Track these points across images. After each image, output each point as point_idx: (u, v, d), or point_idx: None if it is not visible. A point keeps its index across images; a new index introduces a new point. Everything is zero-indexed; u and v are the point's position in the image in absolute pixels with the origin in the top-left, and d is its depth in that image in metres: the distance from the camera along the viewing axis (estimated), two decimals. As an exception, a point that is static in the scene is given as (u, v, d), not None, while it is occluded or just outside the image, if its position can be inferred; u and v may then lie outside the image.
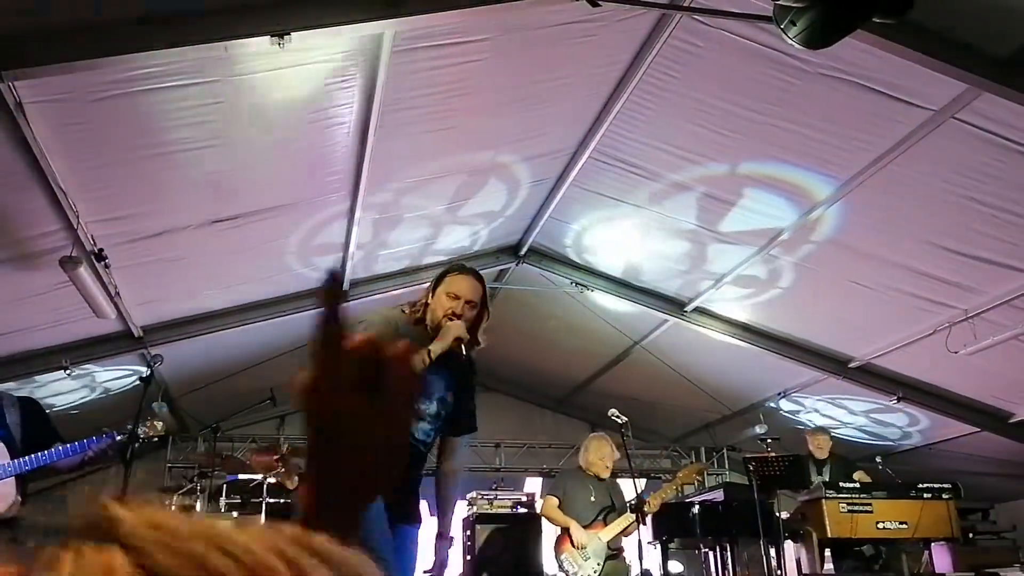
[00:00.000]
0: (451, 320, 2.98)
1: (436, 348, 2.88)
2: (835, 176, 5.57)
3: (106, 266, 5.35)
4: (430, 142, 5.55)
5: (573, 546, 5.06)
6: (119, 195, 4.99)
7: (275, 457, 6.21)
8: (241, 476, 6.41)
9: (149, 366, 4.87)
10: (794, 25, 2.35)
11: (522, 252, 7.69)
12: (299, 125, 4.90)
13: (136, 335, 6.67)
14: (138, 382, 4.43)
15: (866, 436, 9.38)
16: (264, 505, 5.93)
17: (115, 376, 7.44)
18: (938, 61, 4.32)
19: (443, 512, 3.17)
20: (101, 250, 5.20)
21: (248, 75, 4.28)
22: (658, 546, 6.09)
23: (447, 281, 3.10)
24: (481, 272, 7.16)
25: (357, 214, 6.00)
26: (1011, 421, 8.02)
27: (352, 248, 6.56)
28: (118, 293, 5.82)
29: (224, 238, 5.77)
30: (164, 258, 5.81)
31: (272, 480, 6.10)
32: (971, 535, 8.27)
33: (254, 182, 5.36)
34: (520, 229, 7.43)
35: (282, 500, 6.11)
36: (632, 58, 5.05)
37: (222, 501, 6.07)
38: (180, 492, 6.28)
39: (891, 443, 9.25)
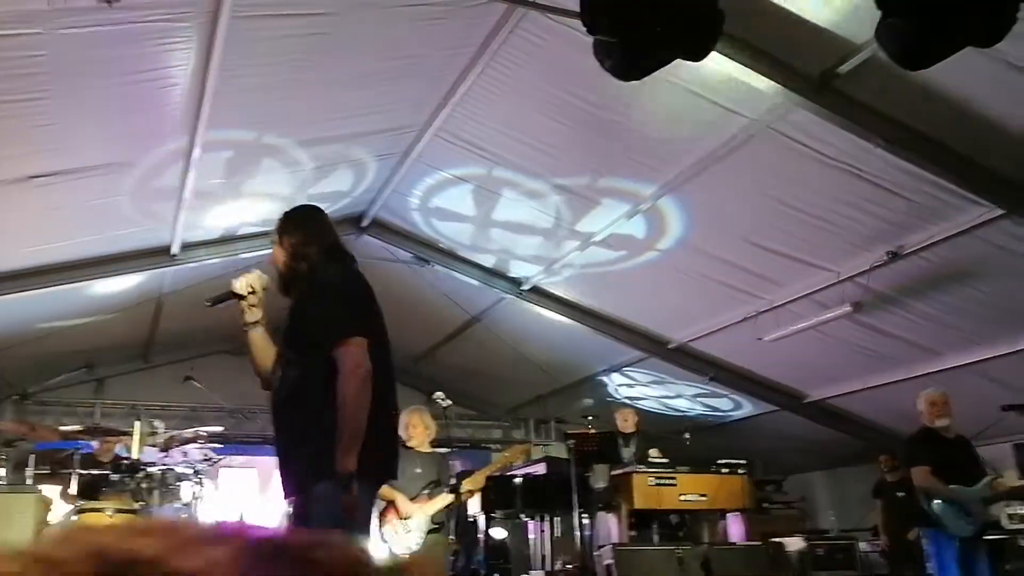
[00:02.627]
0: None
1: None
2: (661, 173, 5.91)
3: (-98, 218, 4.91)
4: (271, 112, 5.43)
5: (398, 518, 5.18)
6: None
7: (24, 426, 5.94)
8: (53, 445, 6.08)
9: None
10: (609, 59, 2.52)
11: (364, 224, 7.65)
12: (128, 85, 4.66)
13: (-65, 291, 6.15)
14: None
15: (676, 411, 10.03)
16: (76, 477, 5.66)
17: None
18: (756, 74, 4.66)
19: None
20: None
21: (72, 29, 4.02)
22: (482, 517, 6.32)
23: None
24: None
25: (189, 179, 5.78)
26: (805, 401, 8.86)
27: (183, 214, 6.32)
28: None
29: (42, 195, 5.42)
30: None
31: (85, 451, 5.83)
32: (764, 505, 9.10)
33: (79, 139, 5.05)
34: (364, 202, 7.39)
35: (94, 472, 5.85)
36: (480, 44, 5.12)
37: (28, 471, 5.74)
38: (-20, 460, 5.88)
39: (700, 418, 9.95)
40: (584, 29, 4.77)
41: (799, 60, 4.67)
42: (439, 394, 5.21)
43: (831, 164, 5.32)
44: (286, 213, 3.24)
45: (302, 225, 3.14)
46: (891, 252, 5.96)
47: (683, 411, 9.99)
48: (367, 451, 2.66)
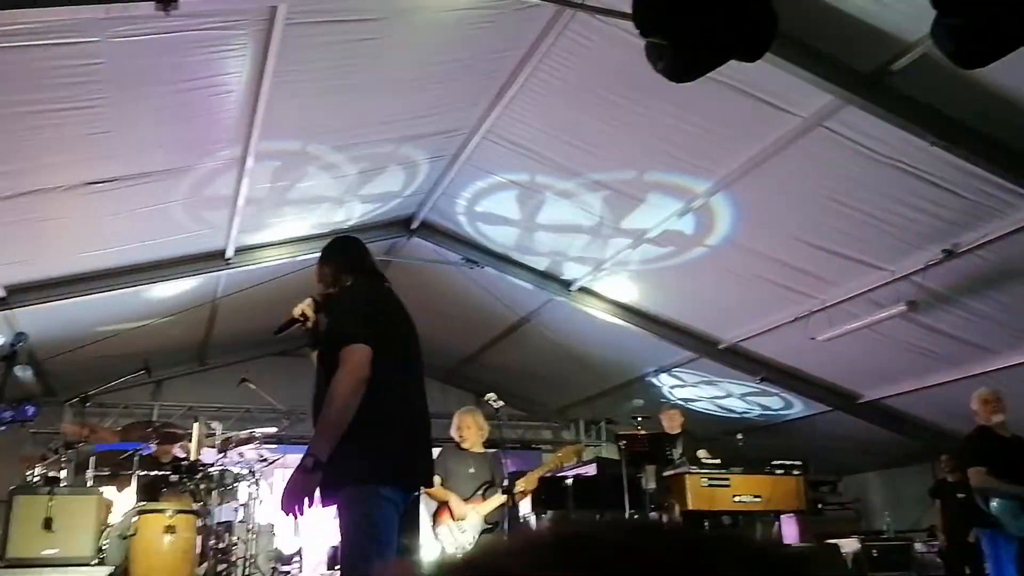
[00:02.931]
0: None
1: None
2: (713, 172, 5.87)
3: (-31, 225, 5.09)
4: (322, 117, 5.51)
5: (452, 518, 5.22)
6: (-13, 153, 4.75)
7: (148, 430, 6.11)
8: (112, 447, 6.25)
9: (12, 345, 4.64)
10: (661, 61, 2.52)
11: (414, 226, 7.72)
12: (183, 92, 4.77)
13: (-1, 295, 6.36)
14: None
15: (729, 412, 9.93)
16: (136, 478, 5.81)
17: (-29, 335, 7.07)
18: (809, 73, 4.61)
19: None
20: (-36, 208, 4.94)
21: (129, 37, 4.13)
22: (533, 518, 6.34)
23: None
24: (372, 244, 7.29)
25: (244, 184, 5.89)
26: (859, 402, 8.71)
27: (237, 218, 6.45)
28: (-19, 253, 5.55)
29: (99, 201, 5.58)
30: (34, 218, 5.57)
31: (145, 453, 5.99)
32: (819, 505, 8.96)
33: (134, 146, 5.18)
34: (413, 204, 7.46)
35: (153, 473, 6.00)
36: (530, 46, 5.14)
37: (89, 473, 5.90)
38: (45, 461, 6.06)
39: (753, 419, 9.84)
40: (633, 30, 4.80)
41: (852, 58, 4.61)
42: (491, 395, 5.24)
43: (884, 162, 5.24)
44: (326, 245, 3.63)
45: (337, 255, 3.49)
46: (946, 250, 5.84)
47: (735, 412, 9.89)
48: (383, 455, 2.82)
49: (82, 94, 4.45)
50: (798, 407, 9.27)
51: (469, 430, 5.46)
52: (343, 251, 3.53)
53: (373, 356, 2.87)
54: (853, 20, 4.32)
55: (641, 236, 6.91)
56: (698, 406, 9.71)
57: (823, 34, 4.45)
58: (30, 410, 3.65)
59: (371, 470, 2.78)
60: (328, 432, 2.77)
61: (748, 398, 9.55)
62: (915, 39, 4.24)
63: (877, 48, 4.47)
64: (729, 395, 9.61)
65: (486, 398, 5.25)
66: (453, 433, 5.61)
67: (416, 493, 2.97)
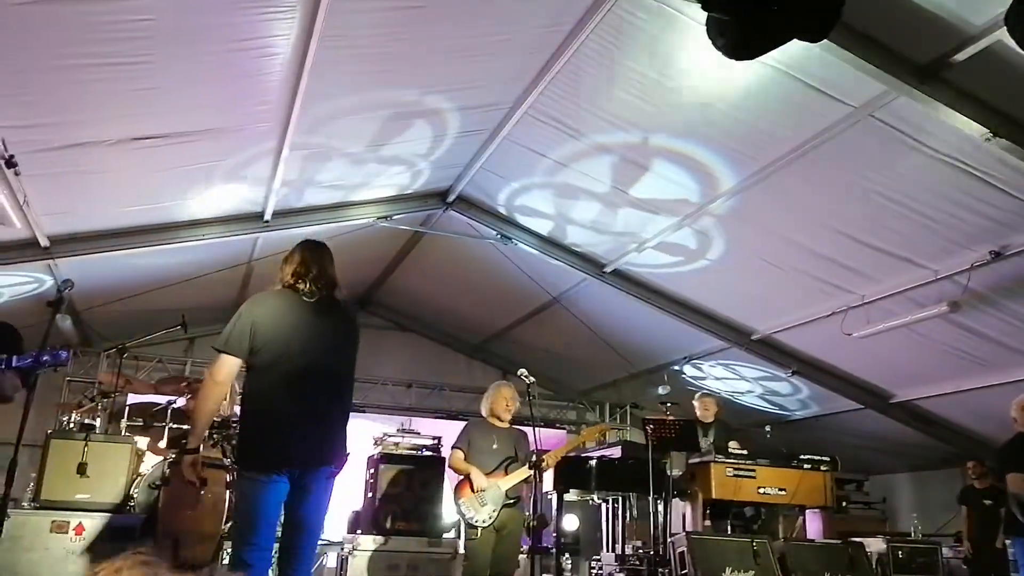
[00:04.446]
0: None
1: None
2: (756, 159, 5.77)
3: (16, 173, 5.17)
4: (366, 83, 5.49)
5: (472, 491, 5.24)
6: (37, 103, 4.79)
7: (183, 384, 6.20)
8: (145, 398, 6.36)
9: (59, 291, 4.73)
10: (722, 37, 2.46)
11: (450, 199, 7.71)
12: (232, 52, 4.77)
13: (43, 245, 6.46)
14: (37, 290, 4.32)
15: (762, 404, 9.85)
16: (167, 430, 5.91)
17: (15, 282, 7.21)
18: (862, 61, 4.49)
19: None
20: (11, 156, 5.01)
21: (181, -5, 4.15)
22: (555, 495, 6.35)
23: None
24: (407, 216, 7.31)
25: (286, 147, 5.91)
26: (892, 401, 8.59)
27: (278, 180, 6.48)
28: (27, 202, 5.64)
29: (145, 157, 5.62)
30: (80, 171, 5.63)
31: (178, 405, 6.08)
32: (844, 504, 8.88)
33: (180, 104, 5.20)
34: (451, 177, 7.44)
35: (185, 426, 6.10)
36: (577, 21, 5.07)
37: (123, 423, 6.02)
38: (80, 409, 6.18)
39: (784, 412, 9.75)
40: (682, 10, 4.72)
41: (908, 47, 4.48)
42: (523, 371, 5.24)
43: (935, 157, 5.11)
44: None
45: (284, 262, 3.85)
46: (994, 251, 5.72)
47: (762, 404, 9.81)
48: (243, 444, 3.50)
49: (132, 50, 4.47)
50: (828, 402, 9.15)
51: (499, 403, 5.47)
52: (285, 260, 3.83)
53: (246, 365, 3.42)
54: (914, 8, 4.20)
55: (681, 221, 6.84)
56: (728, 396, 9.63)
57: (880, 22, 4.33)
58: (63, 354, 3.74)
59: (239, 456, 3.54)
60: (192, 427, 3.53)
61: (775, 392, 9.46)
62: (977, 31, 4.11)
63: (937, 38, 4.34)
64: (754, 390, 9.53)
65: (519, 373, 5.25)
66: (483, 406, 5.63)
67: (307, 471, 3.35)
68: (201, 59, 4.78)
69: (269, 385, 3.38)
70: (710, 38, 2.56)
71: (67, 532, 5.20)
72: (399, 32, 4.95)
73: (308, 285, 3.64)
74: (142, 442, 6.05)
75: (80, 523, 5.27)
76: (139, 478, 5.57)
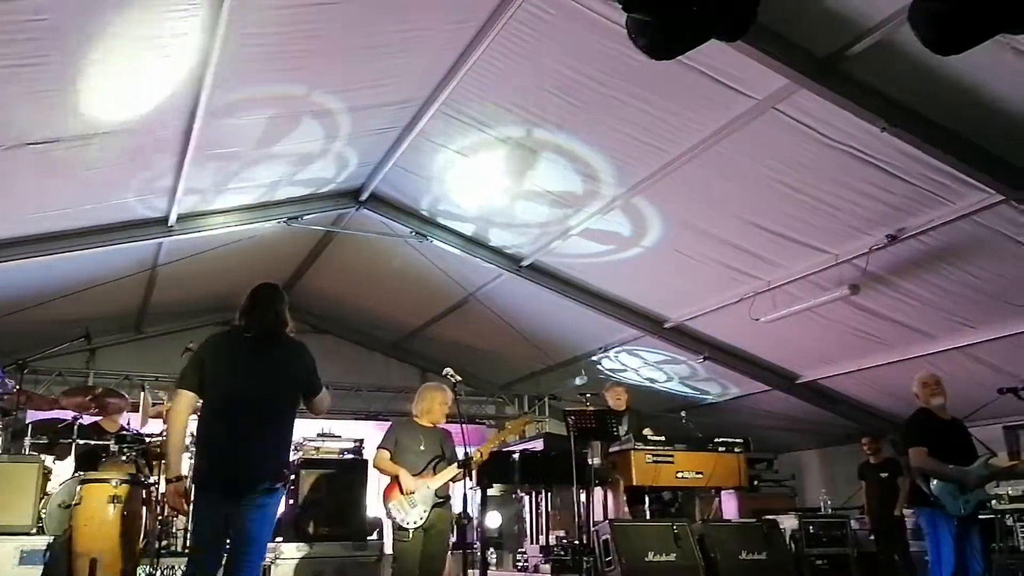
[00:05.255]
0: None
1: None
2: (666, 151, 5.89)
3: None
4: (273, 81, 5.37)
5: (402, 493, 5.21)
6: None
7: (88, 398, 5.93)
8: (49, 415, 6.06)
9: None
10: (642, 37, 2.51)
11: (362, 198, 7.61)
12: (132, 53, 4.59)
13: (-72, 258, 6.09)
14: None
15: (675, 390, 10.10)
16: (74, 447, 5.65)
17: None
18: (764, 55, 4.64)
19: None
20: None
21: (75, -7, 3.96)
22: (478, 491, 6.37)
23: None
24: (318, 215, 7.22)
25: (190, 149, 5.72)
26: (797, 382, 8.94)
27: (183, 183, 6.26)
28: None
29: (40, 162, 5.35)
30: (-33, 177, 5.33)
31: (84, 421, 5.82)
32: (756, 483, 9.20)
33: (78, 107, 4.98)
34: (363, 175, 7.34)
35: (92, 441, 5.84)
36: (487, 17, 5.07)
37: (27, 441, 5.72)
38: (-24, 429, 5.85)
39: (699, 396, 10.02)
40: (589, 6, 4.78)
41: (808, 40, 4.66)
42: (448, 370, 5.22)
43: (834, 146, 5.33)
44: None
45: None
46: (891, 235, 5.99)
47: (676, 390, 10.06)
48: (195, 469, 3.90)
49: (26, 51, 4.26)
50: (737, 387, 9.46)
51: (429, 403, 5.45)
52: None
53: (200, 398, 3.83)
54: (812, 3, 4.37)
55: (592, 214, 6.94)
56: (639, 383, 9.83)
57: (782, 16, 4.48)
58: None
59: (192, 478, 3.90)
60: (167, 456, 4.05)
61: (688, 378, 9.72)
62: (873, 24, 4.30)
63: (834, 32, 4.52)
64: (671, 375, 9.77)
65: (444, 372, 5.23)
66: (414, 407, 5.59)
67: (240, 489, 3.69)
68: (100, 59, 4.58)
69: (210, 415, 3.81)
70: (631, 38, 2.61)
71: (-28, 559, 4.93)
72: (307, 29, 4.85)
73: (249, 323, 3.94)
74: (47, 461, 5.76)
75: (-13, 547, 5.00)
76: (47, 498, 5.31)
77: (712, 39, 2.72)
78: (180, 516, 5.75)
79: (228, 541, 3.71)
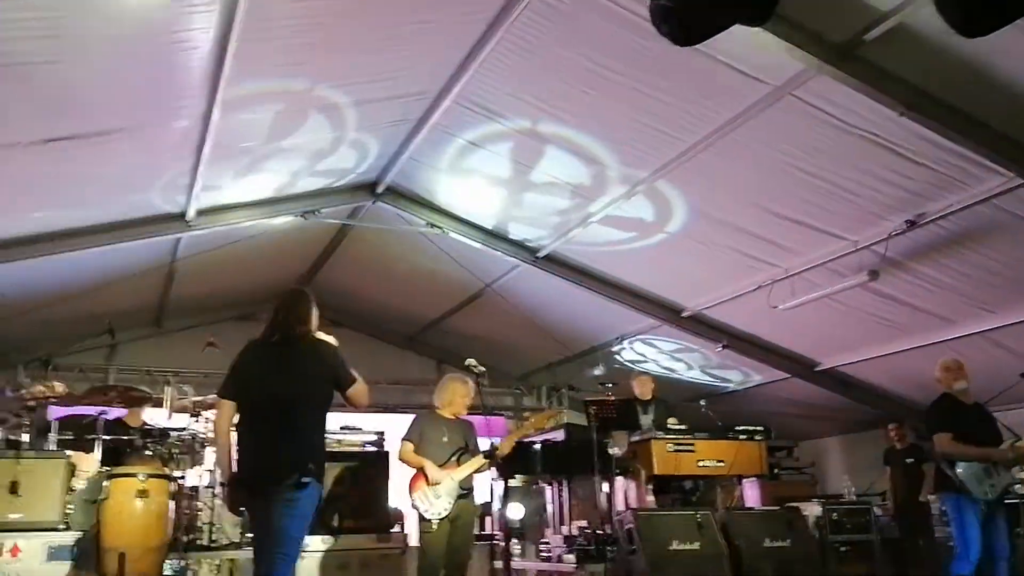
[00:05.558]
0: None
1: None
2: (682, 139, 5.87)
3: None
4: (289, 74, 5.38)
5: (427, 484, 5.23)
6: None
7: (112, 394, 6.00)
8: (73, 411, 6.12)
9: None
10: (666, 24, 2.51)
11: (379, 191, 7.63)
12: (150, 47, 4.62)
13: (-47, 256, 6.16)
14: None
15: (695, 379, 10.09)
16: (100, 443, 5.71)
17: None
18: (781, 40, 4.61)
19: None
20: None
21: (94, -9, 3.98)
22: (500, 482, 6.38)
23: None
24: (334, 209, 7.24)
25: (207, 144, 5.75)
26: (816, 369, 8.91)
27: (200, 178, 6.29)
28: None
29: (59, 158, 5.40)
30: (-10, 175, 5.38)
31: (109, 418, 5.88)
32: (776, 470, 9.19)
33: (96, 102, 5.01)
34: (378, 168, 7.36)
35: (120, 437, 5.90)
36: (500, 8, 5.07)
37: (52, 437, 5.78)
38: (4, 425, 5.92)
39: (719, 385, 10.00)
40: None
41: (825, 27, 4.62)
42: (471, 360, 5.23)
43: (853, 132, 5.29)
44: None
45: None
46: (909, 221, 5.95)
47: (697, 379, 10.04)
48: (238, 465, 3.98)
49: (42, 49, 4.29)
50: (758, 374, 9.44)
51: (452, 395, 5.47)
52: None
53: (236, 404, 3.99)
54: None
55: (610, 203, 6.93)
56: (658, 372, 9.81)
57: (798, 1, 4.45)
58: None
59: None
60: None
61: (708, 367, 9.71)
62: (890, 8, 4.26)
63: (851, 17, 4.49)
64: (691, 364, 9.75)
65: (467, 363, 5.24)
66: (436, 398, 5.62)
67: (267, 487, 3.79)
68: (115, 55, 4.61)
69: (241, 418, 3.97)
70: (654, 25, 2.60)
71: (2, 554, 4.99)
72: (321, 22, 4.86)
73: (272, 328, 4.10)
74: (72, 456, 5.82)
75: (15, 544, 5.07)
76: (73, 493, 5.37)
77: (734, 25, 2.70)
78: (206, 511, 5.81)
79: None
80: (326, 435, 4.27)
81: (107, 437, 5.75)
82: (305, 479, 3.75)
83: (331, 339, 4.18)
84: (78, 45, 4.36)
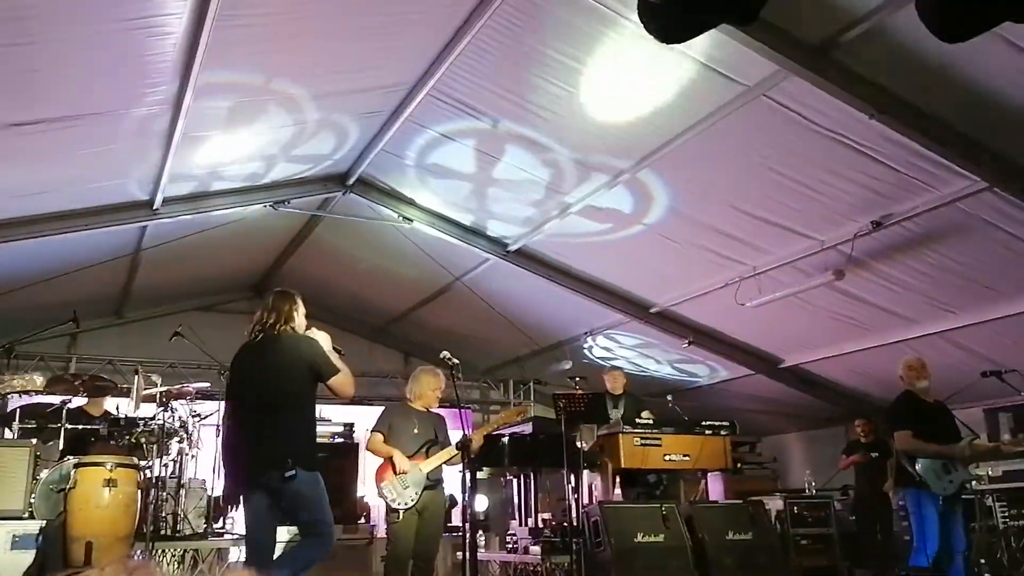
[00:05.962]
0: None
1: None
2: (655, 136, 5.92)
3: None
4: (262, 64, 5.32)
5: (394, 473, 5.24)
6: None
7: (77, 383, 5.89)
8: (36, 400, 6.01)
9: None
10: (654, 21, 2.53)
11: (350, 182, 7.58)
12: (120, 32, 4.53)
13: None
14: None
15: (663, 374, 10.18)
16: (63, 431, 5.62)
17: None
18: (755, 41, 4.66)
19: None
20: None
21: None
22: (467, 473, 6.39)
23: None
24: (305, 199, 7.23)
25: (177, 131, 5.66)
26: (780, 366, 9.05)
27: (169, 166, 6.20)
28: None
29: (24, 143, 5.29)
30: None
31: (72, 405, 5.78)
32: (739, 465, 9.33)
33: (63, 87, 4.91)
34: (350, 159, 7.31)
35: (80, 426, 5.81)
36: (478, 2, 5.06)
37: (15, 426, 5.68)
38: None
39: (683, 380, 10.11)
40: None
41: (799, 27, 4.68)
42: (446, 353, 5.24)
43: (823, 133, 5.38)
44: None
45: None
46: (875, 222, 6.07)
47: (661, 374, 10.14)
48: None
49: (11, 31, 4.20)
50: (723, 371, 9.56)
51: (424, 387, 5.48)
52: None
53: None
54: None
55: (579, 201, 6.96)
56: (624, 367, 9.89)
57: (773, 2, 4.49)
58: None
59: None
60: None
61: (674, 363, 9.80)
62: (864, 12, 4.34)
63: (827, 19, 4.56)
64: (657, 360, 9.84)
65: (441, 356, 5.25)
66: (408, 390, 5.62)
67: (259, 480, 3.95)
68: (87, 40, 4.52)
69: (229, 417, 4.18)
70: (642, 22, 2.62)
71: (-35, 543, 4.90)
72: (298, 10, 4.82)
73: (253, 329, 4.24)
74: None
75: (-21, 533, 4.97)
76: (37, 482, 5.29)
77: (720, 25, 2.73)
78: (170, 501, 5.76)
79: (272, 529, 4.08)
80: (315, 424, 4.30)
81: (70, 426, 5.65)
82: (289, 473, 3.82)
83: (321, 334, 4.26)
84: (47, 27, 4.27)
